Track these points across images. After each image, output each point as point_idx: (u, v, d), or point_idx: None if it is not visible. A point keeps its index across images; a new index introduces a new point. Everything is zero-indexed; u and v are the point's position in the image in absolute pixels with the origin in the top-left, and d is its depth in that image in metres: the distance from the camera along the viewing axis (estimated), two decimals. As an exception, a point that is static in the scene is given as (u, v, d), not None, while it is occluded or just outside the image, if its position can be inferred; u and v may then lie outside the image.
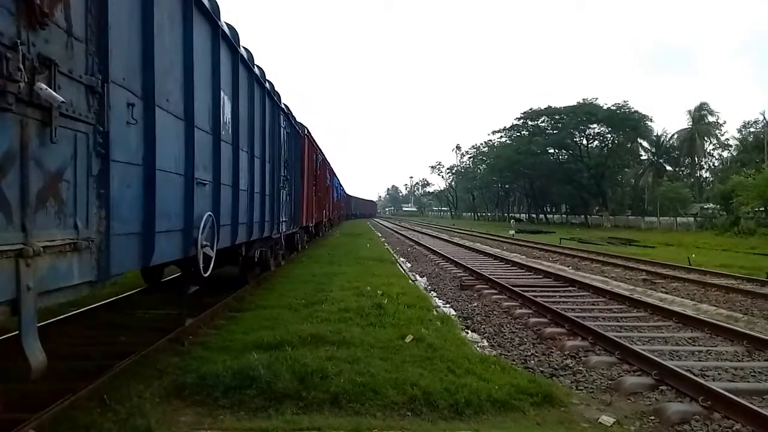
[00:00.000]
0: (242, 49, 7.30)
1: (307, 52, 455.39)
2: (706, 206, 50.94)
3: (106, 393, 4.30)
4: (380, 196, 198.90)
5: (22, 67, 2.50)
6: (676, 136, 64.80)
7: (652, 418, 4.64)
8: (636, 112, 55.23)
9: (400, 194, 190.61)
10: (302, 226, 15.08)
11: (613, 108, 54.82)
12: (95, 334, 6.55)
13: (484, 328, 8.06)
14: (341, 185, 44.67)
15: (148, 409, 4.10)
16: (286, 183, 11.41)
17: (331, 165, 30.77)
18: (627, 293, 10.95)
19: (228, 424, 4.08)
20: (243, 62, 7.39)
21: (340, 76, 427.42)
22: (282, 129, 11.03)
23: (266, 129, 9.18)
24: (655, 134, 62.67)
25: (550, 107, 60.48)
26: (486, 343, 7.15)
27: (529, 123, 63.62)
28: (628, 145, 59.61)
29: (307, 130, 16.08)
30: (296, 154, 13.71)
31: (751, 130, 58.68)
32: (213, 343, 6.05)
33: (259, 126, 8.63)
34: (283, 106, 11.30)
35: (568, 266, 16.87)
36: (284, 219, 11.52)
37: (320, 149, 20.58)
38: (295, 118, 13.30)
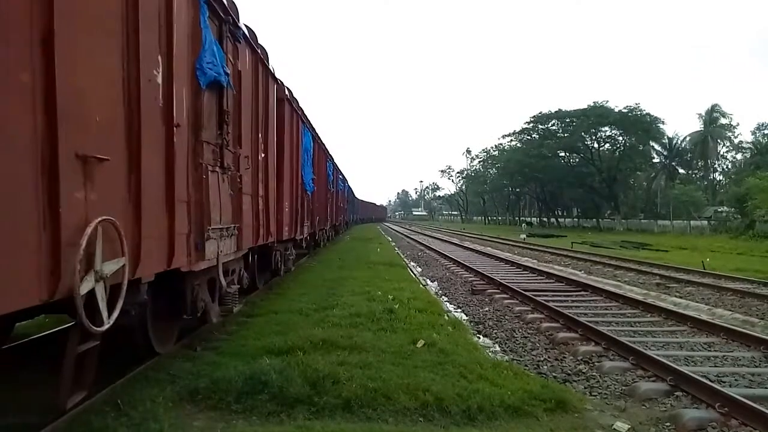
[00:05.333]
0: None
1: (316, 58, 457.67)
2: (720, 209, 50.33)
3: (120, 397, 4.33)
4: (390, 201, 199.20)
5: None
6: (688, 139, 64.20)
7: (668, 424, 4.58)
8: (648, 114, 54.83)
9: (410, 198, 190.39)
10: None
11: (625, 111, 54.45)
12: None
13: (495, 333, 8.02)
14: (345, 180, 33.03)
15: (162, 414, 4.11)
16: None
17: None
18: (640, 298, 10.84)
19: (240, 428, 4.08)
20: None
21: (350, 82, 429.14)
22: None
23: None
24: (667, 137, 62.20)
25: (560, 110, 60.18)
26: (498, 348, 7.12)
27: (540, 126, 63.31)
28: (640, 148, 59.07)
29: None
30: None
31: (766, 132, 57.99)
32: (225, 348, 6.07)
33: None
34: None
35: (580, 270, 16.74)
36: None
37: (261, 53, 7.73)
38: None
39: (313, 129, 14.83)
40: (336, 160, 25.26)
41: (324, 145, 18.60)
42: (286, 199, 9.96)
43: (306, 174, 12.59)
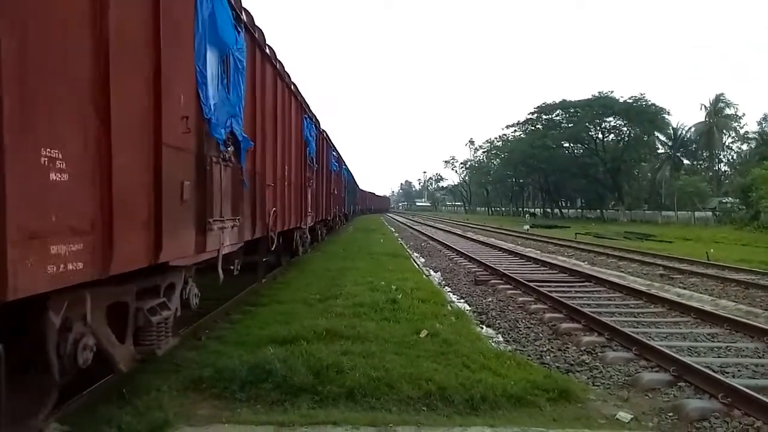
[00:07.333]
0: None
1: (320, 49, 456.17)
2: (724, 200, 50.14)
3: (125, 387, 4.36)
4: (393, 191, 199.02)
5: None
6: (693, 129, 63.76)
7: (671, 414, 4.59)
8: (653, 105, 54.48)
9: (414, 189, 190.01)
10: None
11: (630, 101, 54.10)
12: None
13: (499, 324, 8.03)
14: (342, 161, 25.41)
15: (166, 403, 4.14)
16: None
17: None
18: (644, 288, 10.83)
19: (245, 417, 4.11)
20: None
21: (352, 73, 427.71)
22: None
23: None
24: (671, 127, 61.78)
25: (564, 101, 59.83)
26: (501, 339, 7.13)
27: (544, 117, 62.99)
28: (645, 139, 58.70)
29: None
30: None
31: (772, 122, 57.45)
32: (229, 338, 6.11)
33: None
34: None
35: (584, 261, 16.72)
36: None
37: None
38: None
39: (273, 52, 8.05)
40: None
41: (301, 95, 11.12)
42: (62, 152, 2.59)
43: (221, 107, 5.10)
